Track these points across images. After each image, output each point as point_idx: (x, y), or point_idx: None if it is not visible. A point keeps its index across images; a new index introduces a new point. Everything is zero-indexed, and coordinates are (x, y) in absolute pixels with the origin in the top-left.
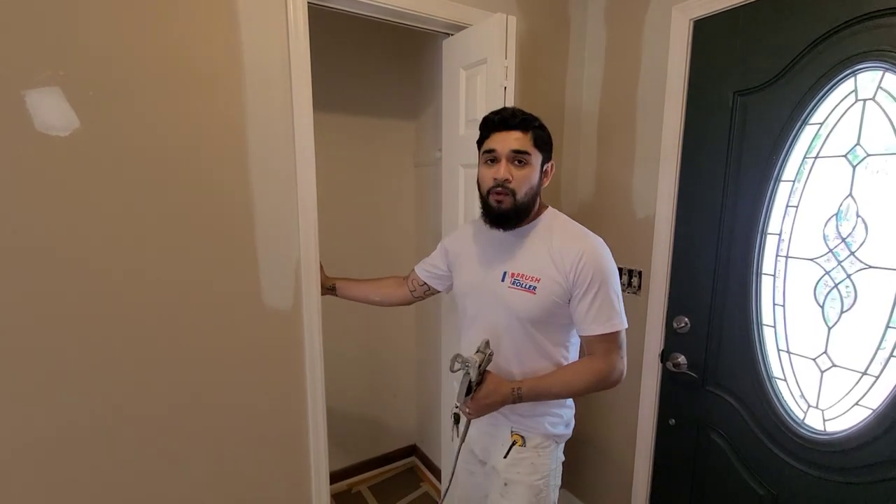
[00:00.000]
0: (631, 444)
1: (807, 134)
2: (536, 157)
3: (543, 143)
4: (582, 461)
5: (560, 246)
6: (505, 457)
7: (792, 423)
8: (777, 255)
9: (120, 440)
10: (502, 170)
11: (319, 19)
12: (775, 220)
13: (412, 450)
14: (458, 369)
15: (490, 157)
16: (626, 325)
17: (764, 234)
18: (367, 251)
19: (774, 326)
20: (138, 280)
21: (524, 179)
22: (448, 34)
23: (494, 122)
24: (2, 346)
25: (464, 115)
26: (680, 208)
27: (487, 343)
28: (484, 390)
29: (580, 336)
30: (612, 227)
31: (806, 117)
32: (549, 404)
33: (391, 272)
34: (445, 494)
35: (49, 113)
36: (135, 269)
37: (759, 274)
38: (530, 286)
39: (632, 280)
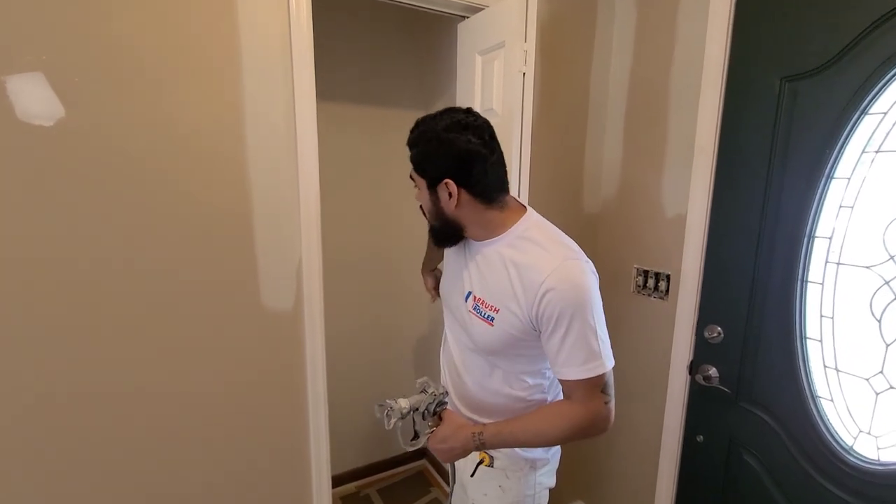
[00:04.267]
0: (653, 460)
1: (866, 125)
2: (420, 182)
3: (420, 167)
4: (600, 475)
5: (523, 271)
6: (472, 475)
7: (839, 448)
8: (826, 262)
9: (116, 443)
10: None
11: (323, 0)
12: (825, 221)
13: (423, 453)
14: (379, 417)
15: None
16: (611, 365)
17: (811, 237)
18: (375, 250)
19: (821, 340)
20: (127, 279)
21: (422, 202)
22: (463, 17)
23: None
24: None
25: (479, 104)
26: (715, 207)
27: (427, 382)
28: (440, 434)
29: (561, 380)
30: (638, 226)
31: (866, 106)
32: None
33: (399, 272)
34: None
35: (31, 100)
36: (123, 267)
37: (804, 281)
38: (488, 316)
39: (658, 284)
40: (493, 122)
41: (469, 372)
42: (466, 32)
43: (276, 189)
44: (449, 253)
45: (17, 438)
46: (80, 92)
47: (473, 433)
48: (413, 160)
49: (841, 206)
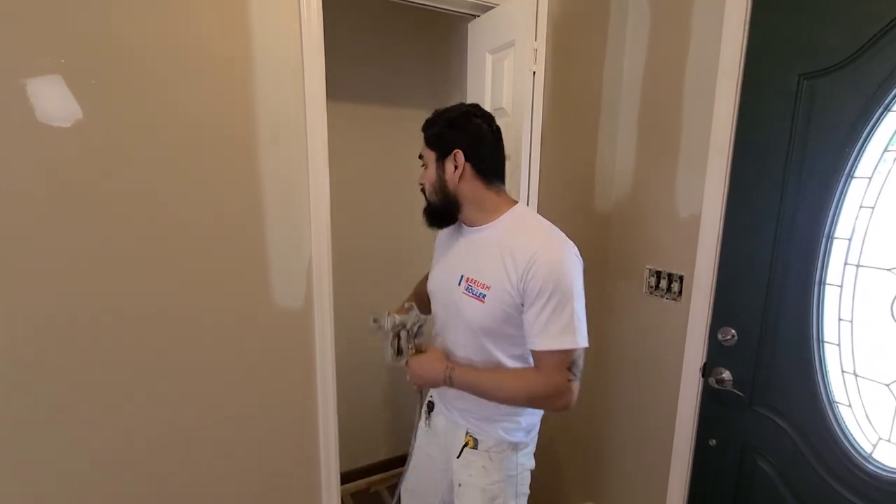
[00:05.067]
0: (665, 463)
1: (889, 122)
2: (430, 156)
3: (436, 140)
4: (610, 477)
5: (514, 250)
6: (458, 457)
7: (857, 456)
8: (845, 264)
9: (128, 440)
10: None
11: (334, 1)
12: (845, 222)
13: None
14: (373, 326)
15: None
16: (584, 345)
17: (830, 238)
18: (385, 249)
19: (839, 344)
20: (141, 278)
21: (426, 179)
22: (474, 15)
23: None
24: (5, 349)
25: (489, 103)
26: (730, 206)
27: (413, 305)
28: (421, 359)
29: (533, 351)
30: (651, 226)
31: (889, 103)
32: (504, 410)
33: (408, 272)
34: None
35: (51, 102)
36: (137, 267)
37: (821, 283)
38: (480, 294)
39: (671, 285)
40: (502, 121)
41: (460, 361)
42: (477, 31)
43: (286, 188)
44: (439, 247)
45: (28, 446)
46: (96, 93)
47: (447, 366)
48: (427, 137)
49: (861, 207)
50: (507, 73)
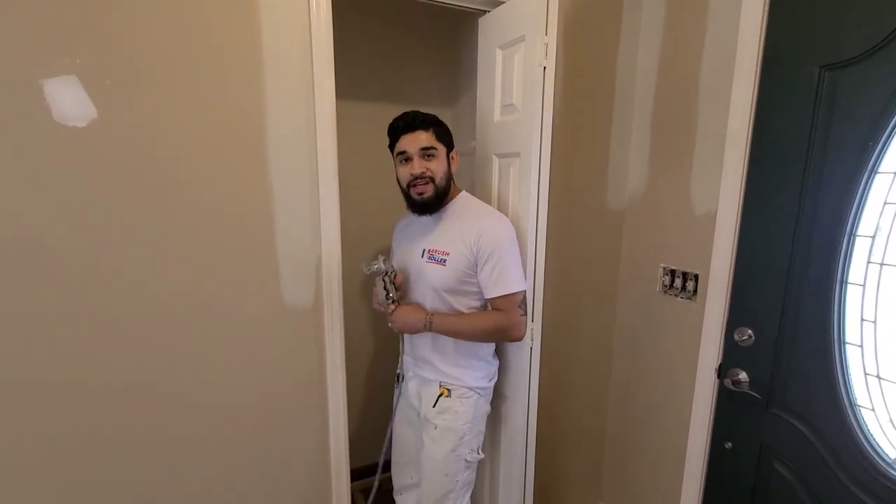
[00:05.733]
0: (679, 465)
1: None
2: (441, 149)
3: (444, 136)
4: (624, 478)
5: (467, 224)
6: (434, 406)
7: (880, 461)
8: (868, 262)
9: (137, 441)
10: (417, 166)
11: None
12: (868, 219)
13: None
14: (367, 272)
15: (404, 158)
16: (523, 288)
17: (852, 235)
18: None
19: (861, 346)
20: (153, 277)
21: (437, 168)
22: (485, 11)
23: (400, 128)
24: (11, 348)
25: (499, 99)
26: (748, 204)
27: (387, 257)
28: (404, 309)
29: (487, 300)
30: (665, 223)
31: None
32: (469, 358)
33: None
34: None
35: (67, 103)
36: (150, 266)
37: (843, 283)
38: (441, 259)
39: (686, 284)
40: (512, 117)
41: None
42: (487, 27)
43: (295, 188)
44: (398, 233)
45: (36, 443)
46: (110, 93)
47: (426, 314)
48: (440, 134)
49: (886, 203)
50: (517, 69)
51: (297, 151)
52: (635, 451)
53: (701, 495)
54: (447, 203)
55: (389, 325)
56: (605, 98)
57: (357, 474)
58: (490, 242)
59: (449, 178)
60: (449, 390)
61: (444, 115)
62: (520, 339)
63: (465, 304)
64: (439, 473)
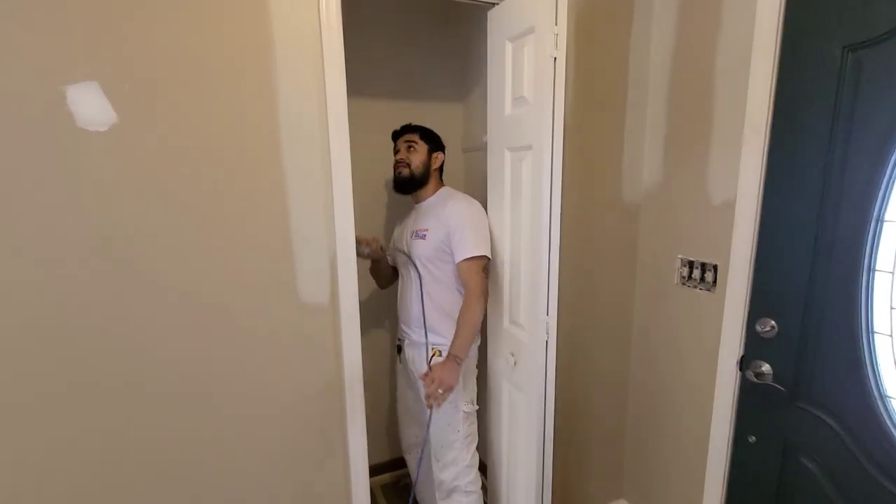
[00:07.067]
0: (701, 461)
1: None
2: (422, 145)
3: (428, 137)
4: (644, 474)
5: (442, 209)
6: (428, 364)
7: None
8: None
9: (154, 440)
10: (400, 153)
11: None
12: None
13: None
14: (368, 254)
15: (395, 150)
16: (481, 253)
17: (880, 220)
18: None
19: (891, 335)
20: (173, 278)
21: (415, 158)
22: (493, 3)
23: (397, 133)
24: (29, 347)
25: (510, 92)
26: (768, 191)
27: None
28: (437, 377)
29: (456, 264)
30: (682, 214)
31: None
32: (451, 326)
33: None
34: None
35: (89, 108)
36: (169, 266)
37: (871, 270)
38: (423, 234)
39: (705, 275)
40: (522, 110)
41: (415, 288)
42: (496, 19)
43: (309, 187)
44: (396, 228)
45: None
46: (129, 98)
47: (450, 358)
48: (424, 134)
49: None
50: (527, 61)
51: (310, 149)
52: (656, 446)
53: (724, 490)
54: (430, 196)
55: (431, 399)
56: (618, 87)
57: (375, 470)
58: (458, 217)
59: (426, 168)
60: (440, 351)
61: (456, 111)
62: (484, 296)
63: (442, 270)
64: (442, 423)
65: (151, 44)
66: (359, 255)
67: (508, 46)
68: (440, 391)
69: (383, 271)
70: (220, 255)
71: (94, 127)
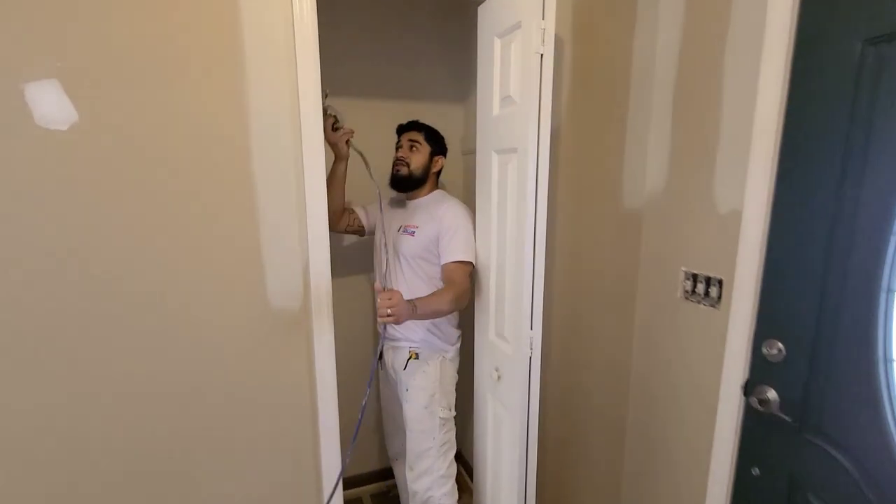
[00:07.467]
0: (701, 490)
1: None
2: (425, 146)
3: (432, 138)
4: (643, 498)
5: (435, 209)
6: (405, 368)
7: None
8: None
9: (118, 444)
10: (401, 151)
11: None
12: None
13: (456, 456)
14: (330, 113)
15: (398, 145)
16: (469, 259)
17: None
18: None
19: None
20: (136, 280)
21: (415, 156)
22: None
23: (403, 127)
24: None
25: (498, 91)
26: (778, 200)
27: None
28: (390, 293)
29: (442, 266)
30: (686, 224)
31: None
32: (433, 324)
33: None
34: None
35: (48, 106)
36: (132, 268)
37: (889, 291)
38: (412, 231)
39: (709, 290)
40: (509, 110)
41: (399, 282)
42: (486, 14)
43: (279, 188)
44: (385, 218)
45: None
46: (91, 95)
47: (409, 301)
48: (428, 135)
49: None
50: (514, 58)
51: (282, 151)
52: (654, 474)
53: None
54: (423, 196)
55: (381, 314)
56: (619, 88)
57: (365, 479)
58: (452, 218)
59: (425, 171)
60: (417, 354)
61: (456, 112)
62: (466, 296)
63: (426, 270)
64: (416, 429)
65: (114, 39)
66: (326, 136)
67: (497, 43)
68: (388, 311)
69: (336, 194)
70: (185, 256)
71: (55, 125)
